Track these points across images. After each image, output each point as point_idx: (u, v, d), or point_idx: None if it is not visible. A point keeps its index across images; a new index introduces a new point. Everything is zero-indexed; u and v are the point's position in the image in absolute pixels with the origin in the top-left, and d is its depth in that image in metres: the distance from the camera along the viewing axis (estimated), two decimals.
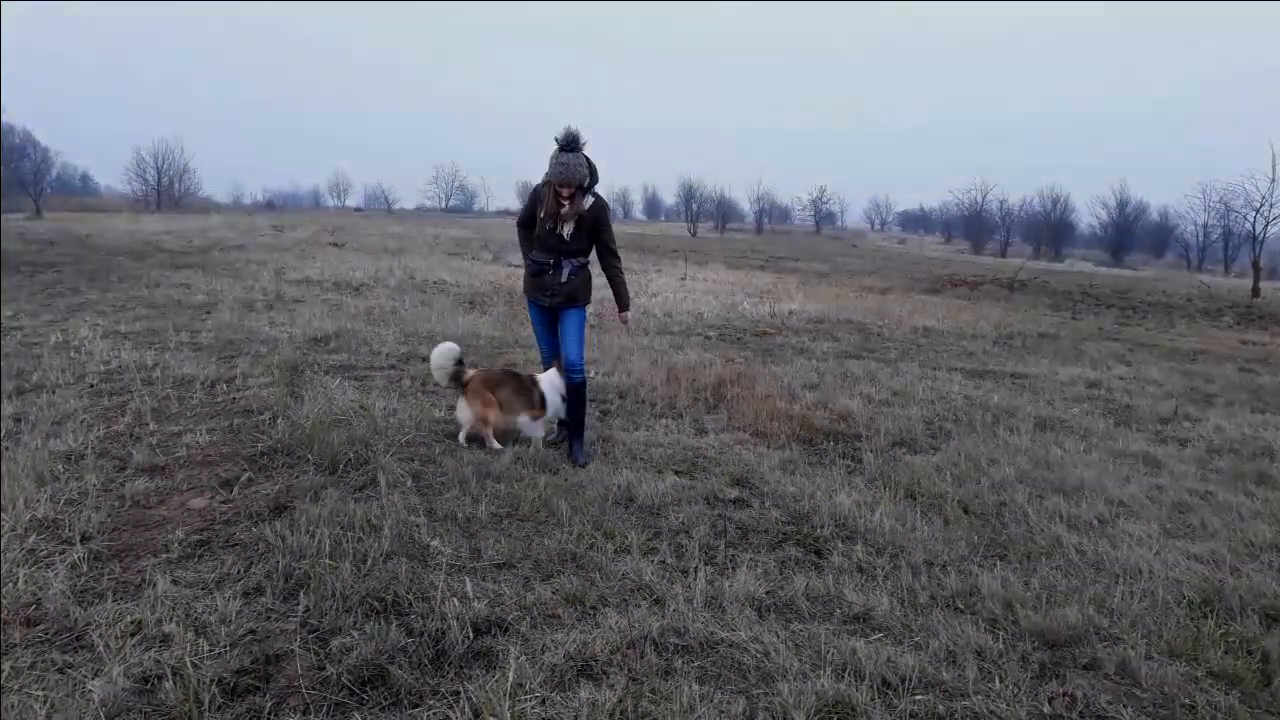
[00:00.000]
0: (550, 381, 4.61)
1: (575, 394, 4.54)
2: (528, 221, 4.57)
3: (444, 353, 4.63)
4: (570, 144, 4.17)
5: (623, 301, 4.68)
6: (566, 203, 4.27)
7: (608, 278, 4.64)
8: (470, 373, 4.64)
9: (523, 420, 4.62)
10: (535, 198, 4.46)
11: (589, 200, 4.33)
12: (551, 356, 4.70)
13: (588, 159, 4.25)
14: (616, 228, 4.65)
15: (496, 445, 4.53)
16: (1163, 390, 7.59)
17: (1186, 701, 2.48)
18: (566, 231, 4.32)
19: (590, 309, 4.73)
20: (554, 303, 4.48)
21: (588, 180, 4.28)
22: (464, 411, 4.60)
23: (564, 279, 4.42)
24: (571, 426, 4.60)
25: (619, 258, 4.58)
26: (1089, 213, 65.68)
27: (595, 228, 4.39)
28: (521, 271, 4.79)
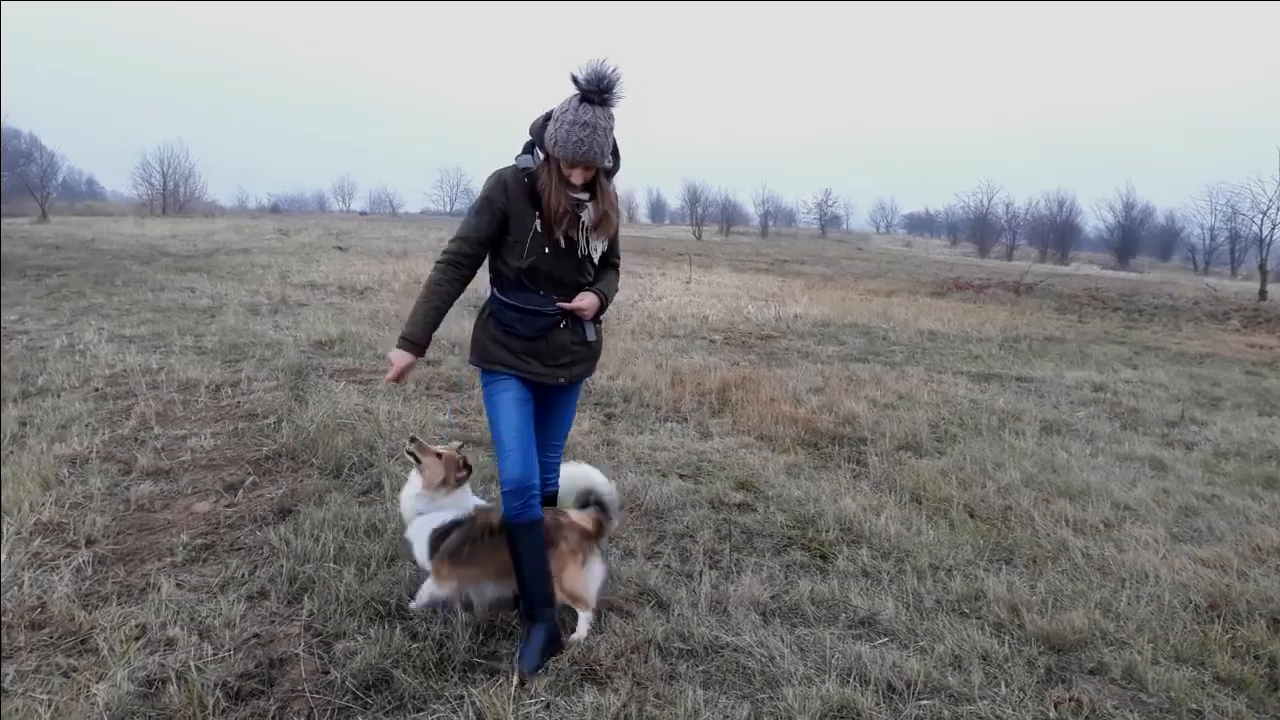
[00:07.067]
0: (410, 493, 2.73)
1: (525, 533, 2.53)
2: (471, 253, 2.62)
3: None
4: (600, 89, 2.33)
5: (595, 302, 2.64)
6: (587, 197, 2.48)
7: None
8: None
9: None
10: (501, 195, 2.49)
11: (612, 188, 2.61)
12: (530, 476, 2.50)
13: None
14: None
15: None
16: (1169, 393, 7.56)
17: (1193, 707, 2.47)
18: (597, 250, 2.59)
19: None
20: (574, 375, 2.68)
21: (611, 161, 2.51)
22: None
23: (591, 334, 2.67)
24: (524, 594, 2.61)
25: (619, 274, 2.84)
26: (1095, 215, 65.62)
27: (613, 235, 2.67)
28: None
